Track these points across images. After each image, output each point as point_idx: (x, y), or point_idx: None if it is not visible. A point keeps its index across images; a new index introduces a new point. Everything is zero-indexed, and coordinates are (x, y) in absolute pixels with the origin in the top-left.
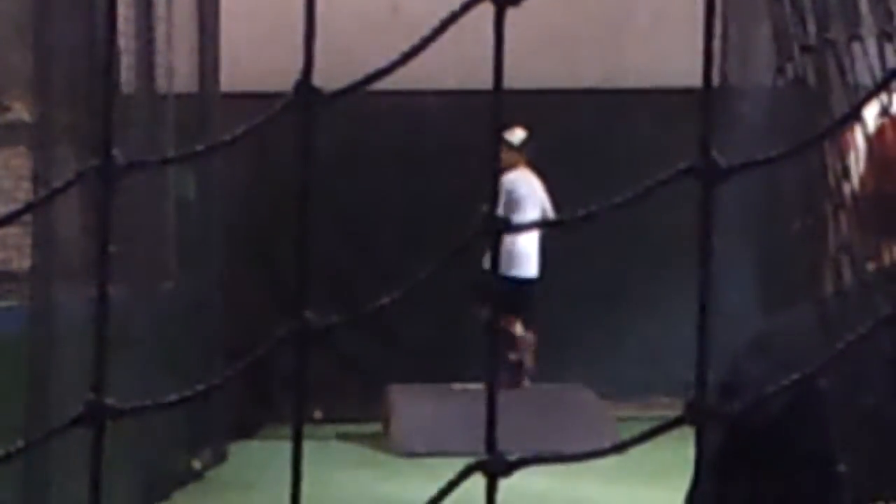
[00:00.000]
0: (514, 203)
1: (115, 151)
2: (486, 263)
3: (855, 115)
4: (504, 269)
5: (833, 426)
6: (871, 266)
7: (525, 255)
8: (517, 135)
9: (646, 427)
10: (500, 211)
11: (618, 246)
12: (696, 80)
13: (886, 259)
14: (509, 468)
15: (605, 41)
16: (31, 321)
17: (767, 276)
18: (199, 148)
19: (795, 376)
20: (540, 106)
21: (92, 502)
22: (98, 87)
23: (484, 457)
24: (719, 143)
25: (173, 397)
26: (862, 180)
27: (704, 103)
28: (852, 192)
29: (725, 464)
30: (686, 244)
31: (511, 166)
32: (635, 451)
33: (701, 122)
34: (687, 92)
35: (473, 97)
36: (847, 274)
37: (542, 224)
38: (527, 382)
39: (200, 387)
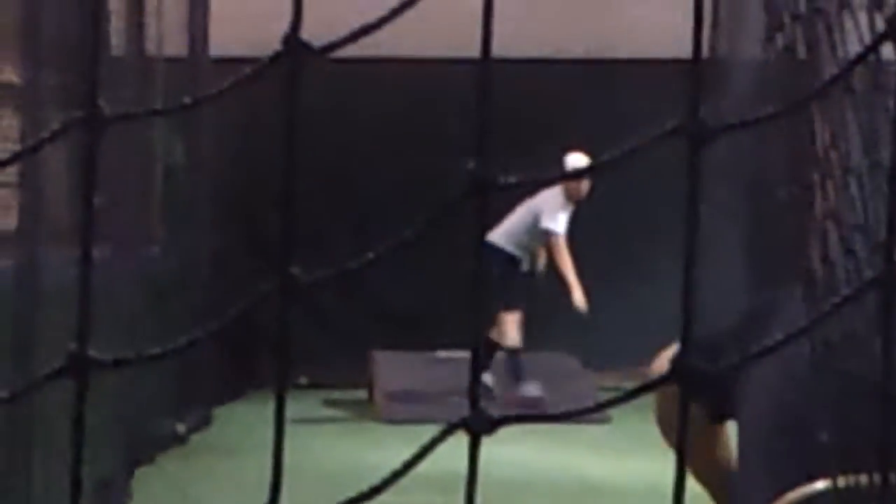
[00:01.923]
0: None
1: (101, 103)
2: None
3: (841, 82)
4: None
5: (816, 393)
6: (858, 234)
7: None
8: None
9: None
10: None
11: (603, 215)
12: (683, 51)
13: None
14: (493, 426)
15: (592, 11)
16: (16, 280)
17: (755, 245)
18: (187, 101)
19: (782, 337)
20: (527, 75)
21: (75, 454)
22: (87, 49)
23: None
24: (708, 112)
25: (156, 350)
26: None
27: (694, 65)
28: (840, 161)
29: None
30: (672, 212)
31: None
32: (620, 420)
33: (690, 84)
34: (675, 62)
35: (462, 66)
36: (833, 241)
37: (530, 183)
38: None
39: (182, 341)
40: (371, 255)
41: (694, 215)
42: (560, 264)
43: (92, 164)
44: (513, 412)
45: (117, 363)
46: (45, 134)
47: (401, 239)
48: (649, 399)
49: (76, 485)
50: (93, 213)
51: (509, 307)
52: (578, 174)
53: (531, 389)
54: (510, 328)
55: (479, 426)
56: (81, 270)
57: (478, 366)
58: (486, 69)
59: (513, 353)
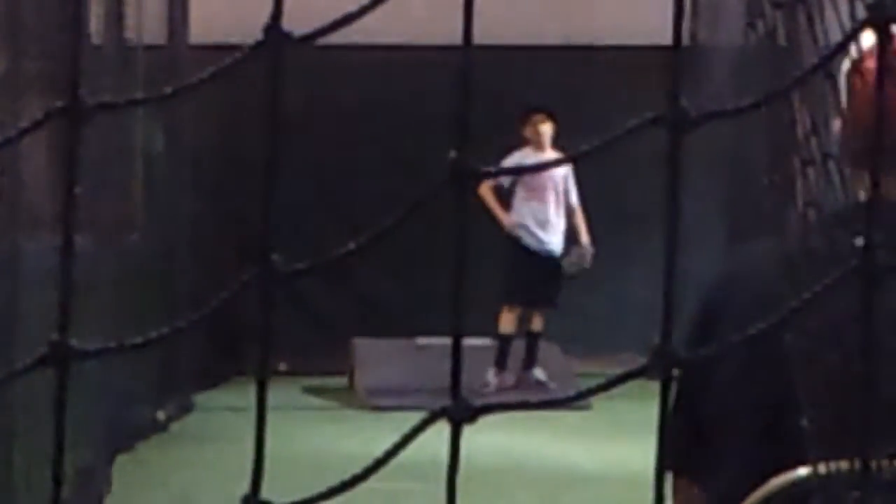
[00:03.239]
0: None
1: (83, 92)
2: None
3: (822, 69)
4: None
5: (797, 380)
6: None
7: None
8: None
9: None
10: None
11: (584, 204)
12: (663, 38)
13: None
14: (473, 414)
15: None
16: None
17: (737, 233)
18: (167, 90)
19: (762, 325)
20: (508, 63)
21: (57, 443)
22: (68, 37)
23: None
24: (689, 101)
25: (137, 340)
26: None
27: (674, 54)
28: (820, 147)
29: (689, 410)
30: (654, 199)
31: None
32: (598, 407)
33: (670, 72)
34: (655, 50)
35: (444, 52)
36: (814, 227)
37: (513, 171)
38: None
39: (164, 331)
40: (353, 245)
41: (675, 204)
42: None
43: (73, 155)
44: (520, 395)
45: (98, 352)
46: (26, 123)
47: (383, 227)
48: (630, 387)
49: (58, 473)
50: (74, 203)
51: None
52: (556, 163)
53: (540, 374)
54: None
55: (459, 414)
56: (63, 260)
57: (458, 352)
58: (468, 56)
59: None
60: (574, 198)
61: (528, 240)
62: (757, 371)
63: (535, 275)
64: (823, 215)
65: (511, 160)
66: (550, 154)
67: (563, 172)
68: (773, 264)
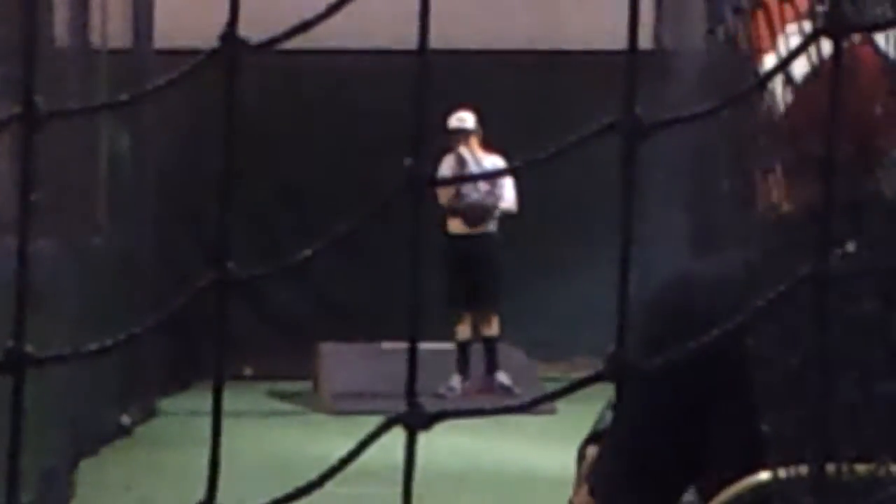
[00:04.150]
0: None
1: (38, 99)
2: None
3: (780, 74)
4: None
5: (757, 385)
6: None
7: None
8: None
9: None
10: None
11: (546, 209)
12: (625, 43)
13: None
14: (429, 422)
15: (537, 2)
16: None
17: (698, 239)
18: (123, 97)
19: (719, 331)
20: (469, 67)
21: (12, 452)
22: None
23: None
24: (652, 107)
25: (93, 346)
26: (792, 138)
27: (629, 61)
28: (780, 152)
29: (647, 416)
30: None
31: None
32: (562, 411)
33: (627, 78)
34: (619, 54)
35: (404, 57)
36: (774, 234)
37: (465, 178)
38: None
39: (121, 337)
40: (311, 250)
41: (629, 210)
42: None
43: (29, 162)
44: (485, 400)
45: (54, 359)
46: None
47: (341, 232)
48: (594, 390)
49: (14, 479)
50: (30, 209)
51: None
52: (511, 170)
53: (504, 378)
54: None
55: (415, 422)
56: (18, 267)
57: (415, 359)
58: (425, 63)
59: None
60: (506, 205)
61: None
62: (720, 376)
63: (469, 278)
64: (780, 221)
65: (445, 165)
66: (483, 157)
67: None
68: (735, 273)
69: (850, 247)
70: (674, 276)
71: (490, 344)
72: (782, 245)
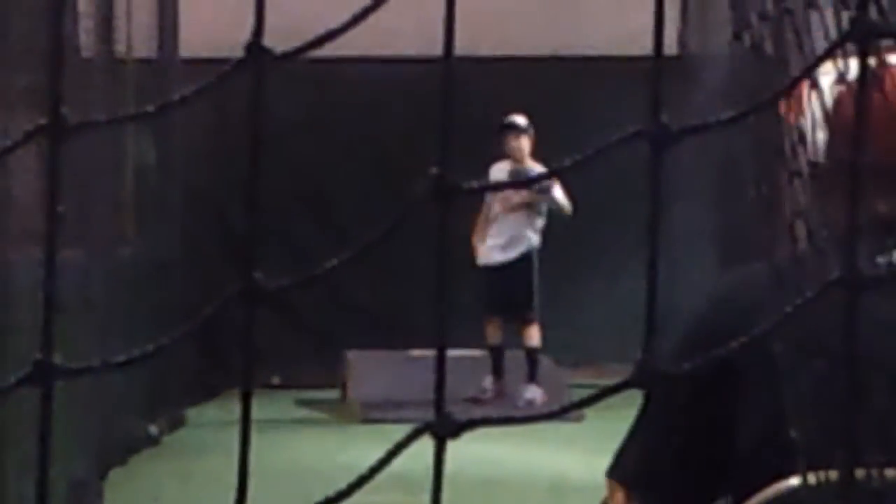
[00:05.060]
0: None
1: (65, 110)
2: (479, 260)
3: (807, 79)
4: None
5: (785, 391)
6: (824, 232)
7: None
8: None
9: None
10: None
11: (577, 216)
12: (650, 48)
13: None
14: (457, 430)
15: (561, 8)
16: None
17: (726, 245)
18: (150, 108)
19: (745, 339)
20: (496, 74)
21: (41, 463)
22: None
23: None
24: (678, 112)
25: (122, 357)
26: (828, 148)
27: (656, 67)
28: (808, 159)
29: (674, 421)
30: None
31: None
32: (591, 418)
33: (652, 85)
34: (643, 59)
35: (431, 65)
36: (802, 241)
37: (496, 186)
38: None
39: (150, 348)
40: (337, 260)
41: (656, 218)
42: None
43: (55, 174)
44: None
45: (82, 371)
46: (16, 138)
47: (368, 242)
48: (622, 397)
49: (43, 491)
50: (56, 223)
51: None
52: (541, 178)
53: (531, 394)
54: (536, 329)
55: (444, 430)
56: (46, 279)
57: (443, 367)
58: (450, 69)
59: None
60: (544, 208)
61: (496, 255)
62: (753, 385)
63: (506, 287)
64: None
65: (490, 174)
66: (530, 166)
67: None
68: (764, 282)
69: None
70: (705, 303)
71: (530, 354)
72: (812, 252)
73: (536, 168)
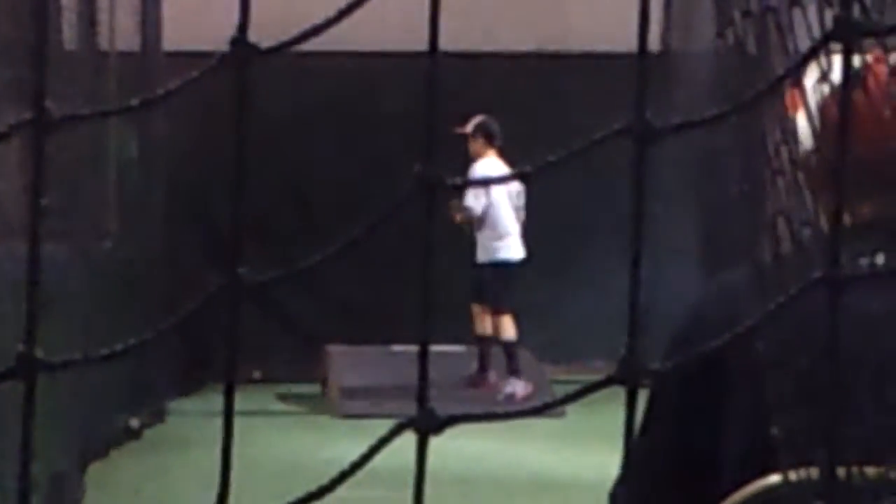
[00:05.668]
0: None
1: (49, 104)
2: (480, 257)
3: (790, 78)
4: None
5: (768, 388)
6: (807, 231)
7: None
8: (475, 123)
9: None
10: (472, 201)
11: (555, 212)
12: (634, 45)
13: (823, 223)
14: (440, 426)
15: (545, 4)
16: None
17: (708, 243)
18: (133, 102)
19: (729, 335)
20: (479, 70)
21: (24, 456)
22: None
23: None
24: (661, 110)
25: (104, 351)
26: (815, 146)
27: (640, 65)
28: (790, 157)
29: (660, 419)
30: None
31: (478, 155)
32: (573, 415)
33: (637, 82)
34: (626, 57)
35: (416, 59)
36: (785, 239)
37: (482, 182)
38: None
39: (132, 342)
40: (321, 255)
41: (639, 214)
42: None
43: (39, 167)
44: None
45: (65, 364)
46: None
47: (351, 238)
48: (604, 394)
49: (25, 484)
50: (39, 215)
51: (506, 302)
52: (522, 175)
53: (512, 388)
54: (509, 323)
55: (426, 425)
56: (29, 272)
57: (425, 363)
58: (434, 66)
59: (511, 346)
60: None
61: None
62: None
63: (500, 281)
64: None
65: (480, 172)
66: (476, 170)
67: (518, 188)
68: (742, 293)
69: (880, 258)
70: (688, 310)
71: (508, 348)
72: (795, 250)
73: (476, 172)
